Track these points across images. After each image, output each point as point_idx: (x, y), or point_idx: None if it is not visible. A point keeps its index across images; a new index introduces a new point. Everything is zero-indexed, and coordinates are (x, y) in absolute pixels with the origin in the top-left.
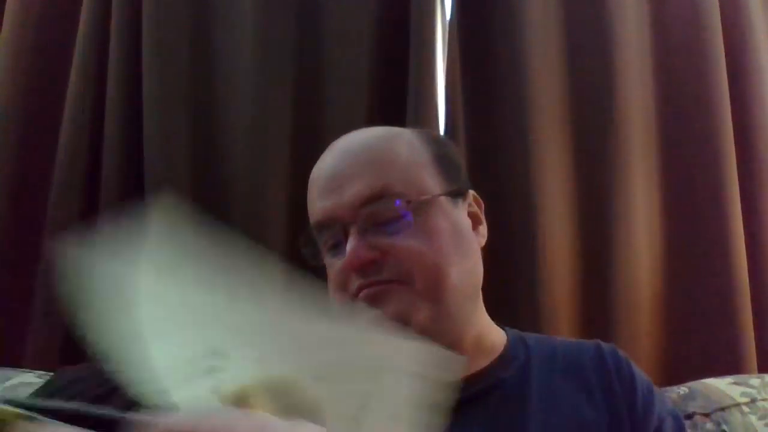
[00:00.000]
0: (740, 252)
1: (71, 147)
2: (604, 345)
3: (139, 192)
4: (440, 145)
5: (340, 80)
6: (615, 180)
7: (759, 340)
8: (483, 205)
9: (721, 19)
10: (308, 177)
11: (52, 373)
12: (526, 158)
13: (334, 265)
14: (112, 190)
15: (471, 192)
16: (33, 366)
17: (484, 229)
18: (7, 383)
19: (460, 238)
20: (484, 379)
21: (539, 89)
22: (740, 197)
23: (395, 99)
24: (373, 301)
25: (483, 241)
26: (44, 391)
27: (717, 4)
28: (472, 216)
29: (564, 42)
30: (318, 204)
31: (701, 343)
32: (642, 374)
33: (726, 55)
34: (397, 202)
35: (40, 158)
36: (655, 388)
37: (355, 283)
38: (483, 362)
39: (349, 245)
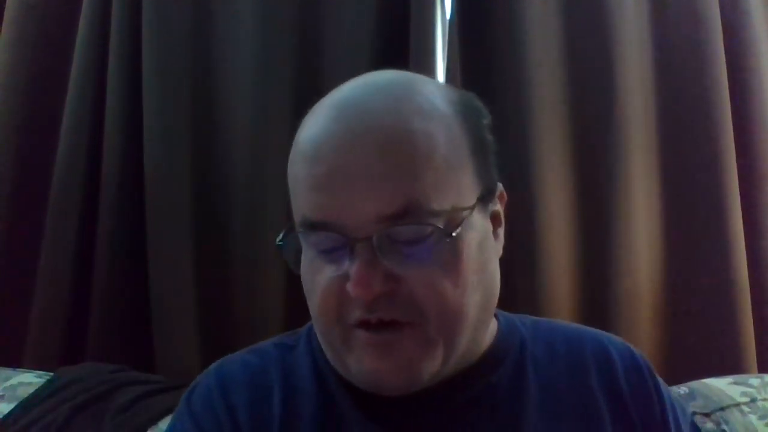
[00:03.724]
0: (740, 252)
1: (71, 147)
2: (614, 342)
3: (139, 192)
4: (478, 117)
5: (341, 82)
6: (615, 179)
7: (759, 340)
8: (506, 199)
9: (721, 18)
10: None
11: (52, 373)
12: (526, 157)
13: (322, 270)
14: (112, 190)
15: (499, 185)
16: (33, 366)
17: (502, 231)
18: (7, 383)
19: (484, 261)
20: (471, 384)
21: (539, 89)
22: (740, 196)
23: None
24: (378, 352)
25: (501, 247)
26: (45, 390)
27: (717, 3)
28: (494, 217)
29: (564, 41)
30: (315, 197)
31: (701, 343)
32: (666, 387)
33: (726, 54)
34: (427, 226)
35: (40, 158)
36: (678, 403)
37: (356, 311)
38: (468, 360)
39: (358, 269)
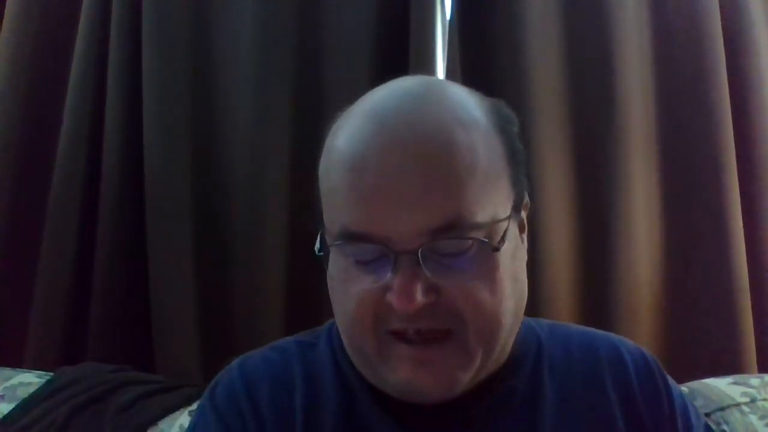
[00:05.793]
0: (740, 252)
1: (71, 147)
2: (626, 345)
3: (139, 192)
4: (510, 126)
5: (340, 81)
6: (615, 180)
7: (759, 340)
8: (529, 205)
9: (721, 18)
10: (309, 181)
11: (52, 373)
12: (525, 157)
13: (358, 280)
14: (112, 189)
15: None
16: (33, 366)
17: (526, 235)
18: (7, 383)
19: (516, 269)
20: (493, 388)
21: (539, 89)
22: (740, 196)
23: None
24: (420, 365)
25: (526, 252)
26: (45, 390)
27: (717, 2)
28: (520, 225)
29: (564, 41)
30: (358, 209)
31: (701, 343)
32: (678, 389)
33: (726, 54)
34: (469, 239)
35: (40, 158)
36: (692, 406)
37: (394, 321)
38: (492, 365)
39: (402, 282)
